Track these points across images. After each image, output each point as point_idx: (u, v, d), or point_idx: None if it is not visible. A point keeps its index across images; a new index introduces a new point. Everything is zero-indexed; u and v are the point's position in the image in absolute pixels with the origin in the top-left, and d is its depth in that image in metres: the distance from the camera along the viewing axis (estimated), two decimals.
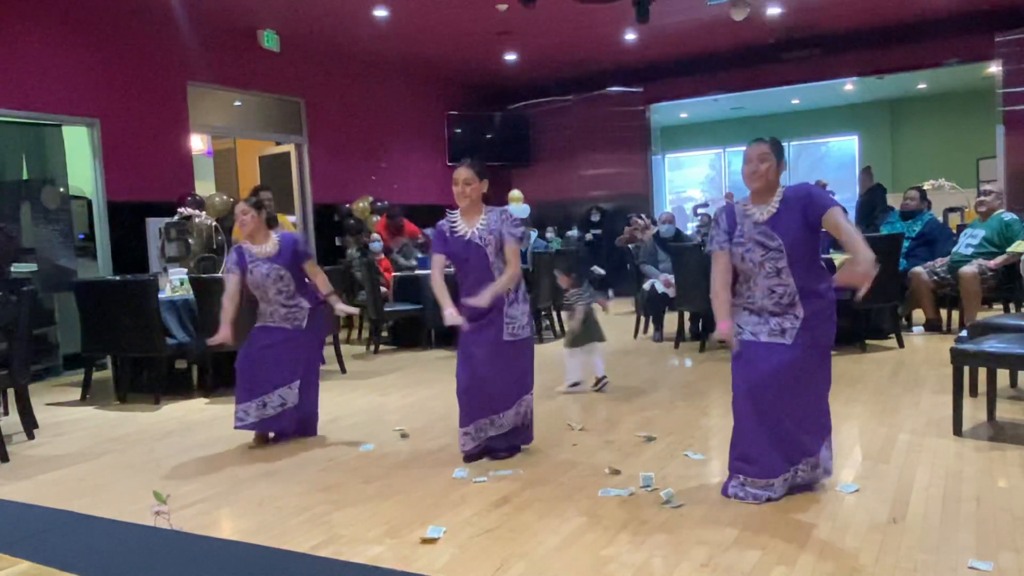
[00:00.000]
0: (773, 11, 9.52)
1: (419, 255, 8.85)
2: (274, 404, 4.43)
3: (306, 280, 4.59)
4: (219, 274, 6.27)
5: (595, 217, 12.64)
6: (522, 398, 3.91)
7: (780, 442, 3.15)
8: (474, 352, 3.83)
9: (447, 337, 7.41)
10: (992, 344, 3.89)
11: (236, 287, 4.45)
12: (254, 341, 4.48)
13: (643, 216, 11.13)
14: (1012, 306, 6.92)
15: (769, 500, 3.13)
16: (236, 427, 4.43)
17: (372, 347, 7.83)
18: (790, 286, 3.14)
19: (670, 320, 7.67)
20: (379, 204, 9.84)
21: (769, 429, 3.14)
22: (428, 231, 9.15)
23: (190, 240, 6.95)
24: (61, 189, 7.46)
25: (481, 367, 3.80)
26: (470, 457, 3.91)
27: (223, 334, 4.34)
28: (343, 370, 6.70)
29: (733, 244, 3.24)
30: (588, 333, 5.44)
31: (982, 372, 4.39)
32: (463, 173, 3.87)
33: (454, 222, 3.96)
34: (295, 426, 4.53)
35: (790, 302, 3.15)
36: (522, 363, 3.92)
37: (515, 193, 10.17)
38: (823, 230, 3.18)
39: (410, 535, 2.98)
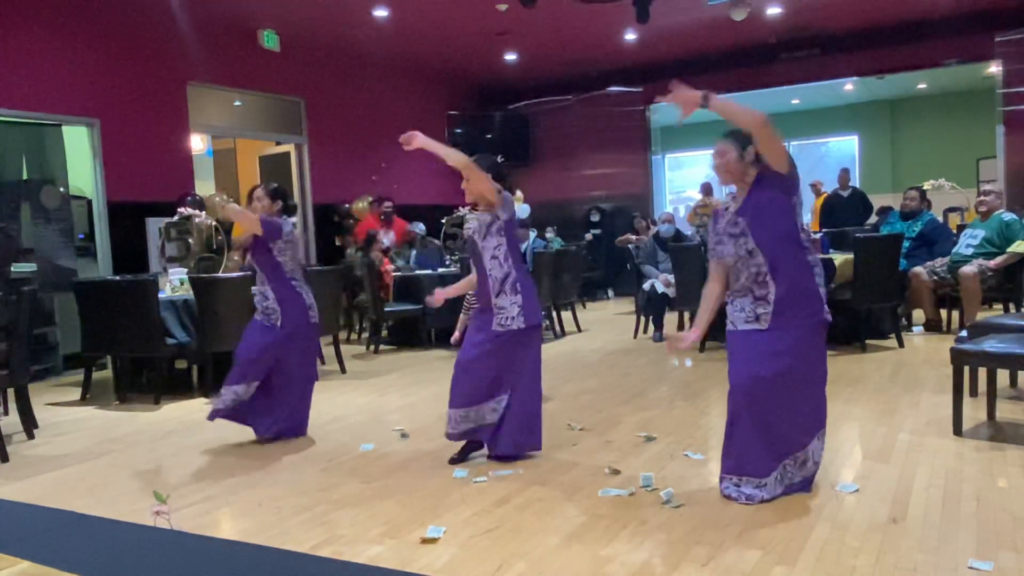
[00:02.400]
0: (773, 11, 9.52)
1: (414, 254, 8.84)
2: (227, 397, 4.44)
3: (285, 274, 4.51)
4: (219, 274, 6.29)
5: (595, 217, 12.64)
6: (499, 395, 3.81)
7: (770, 441, 3.15)
8: (468, 337, 3.89)
9: (447, 337, 7.39)
10: (992, 344, 3.89)
11: None
12: (244, 334, 4.57)
13: (645, 217, 11.15)
14: (1012, 306, 6.92)
15: (763, 501, 3.13)
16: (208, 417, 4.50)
17: (372, 347, 7.83)
18: (763, 264, 3.14)
19: (670, 320, 7.67)
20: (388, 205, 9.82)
21: (760, 428, 3.13)
22: (413, 226, 9.15)
23: (190, 240, 6.94)
24: (61, 189, 7.46)
25: (466, 353, 3.83)
26: (461, 448, 3.95)
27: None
28: (343, 370, 6.70)
29: (716, 244, 3.29)
30: None
31: (982, 372, 4.39)
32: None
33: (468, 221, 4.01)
34: (269, 429, 4.51)
35: (764, 280, 3.14)
36: (509, 358, 3.80)
37: (516, 193, 10.17)
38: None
39: (410, 535, 2.98)
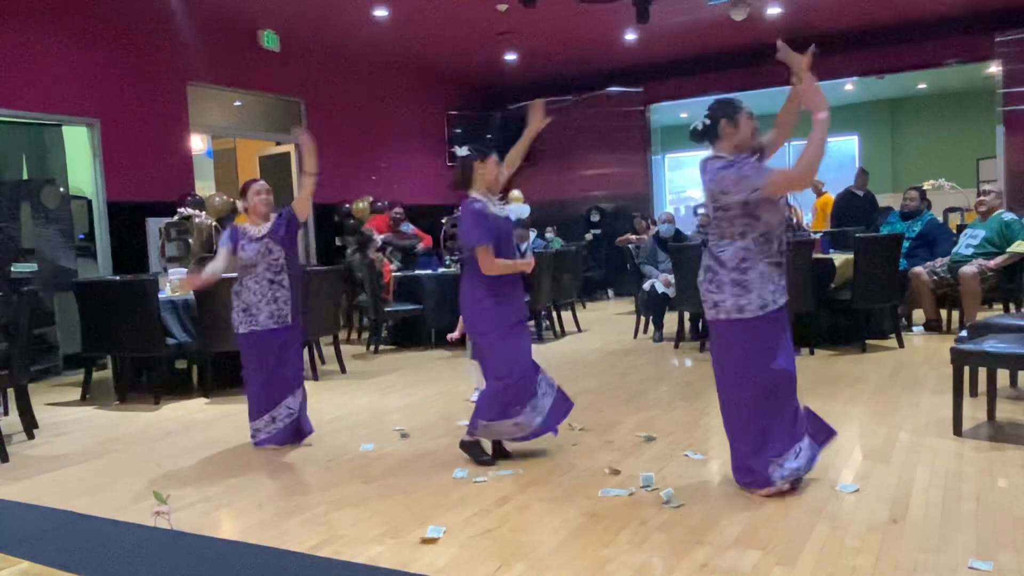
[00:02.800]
0: (773, 11, 9.52)
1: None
2: (282, 416, 4.39)
3: (297, 263, 4.55)
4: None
5: (595, 217, 12.63)
6: (540, 378, 3.90)
7: (795, 416, 3.28)
8: (519, 333, 3.86)
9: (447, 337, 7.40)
10: (992, 344, 3.89)
11: (225, 261, 4.43)
12: (254, 355, 4.43)
13: (645, 217, 11.15)
14: (1012, 306, 6.92)
15: (800, 472, 3.21)
16: (256, 445, 4.40)
17: (372, 347, 7.83)
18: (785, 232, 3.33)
19: (670, 320, 7.67)
20: (379, 204, 9.84)
21: (793, 408, 3.27)
22: (403, 226, 9.16)
23: (190, 240, 6.94)
24: (61, 189, 7.45)
25: (525, 349, 3.87)
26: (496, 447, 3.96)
27: (192, 280, 4.62)
28: (343, 370, 6.70)
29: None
30: None
31: (982, 372, 4.38)
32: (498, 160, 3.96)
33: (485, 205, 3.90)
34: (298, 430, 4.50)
35: (783, 249, 3.29)
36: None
37: (515, 193, 10.17)
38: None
39: (410, 535, 2.98)
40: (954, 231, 8.35)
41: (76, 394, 6.15)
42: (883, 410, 4.53)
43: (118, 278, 6.48)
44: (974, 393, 4.49)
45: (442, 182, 12.02)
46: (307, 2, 8.37)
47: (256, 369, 4.41)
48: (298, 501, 3.45)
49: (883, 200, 11.30)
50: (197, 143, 9.39)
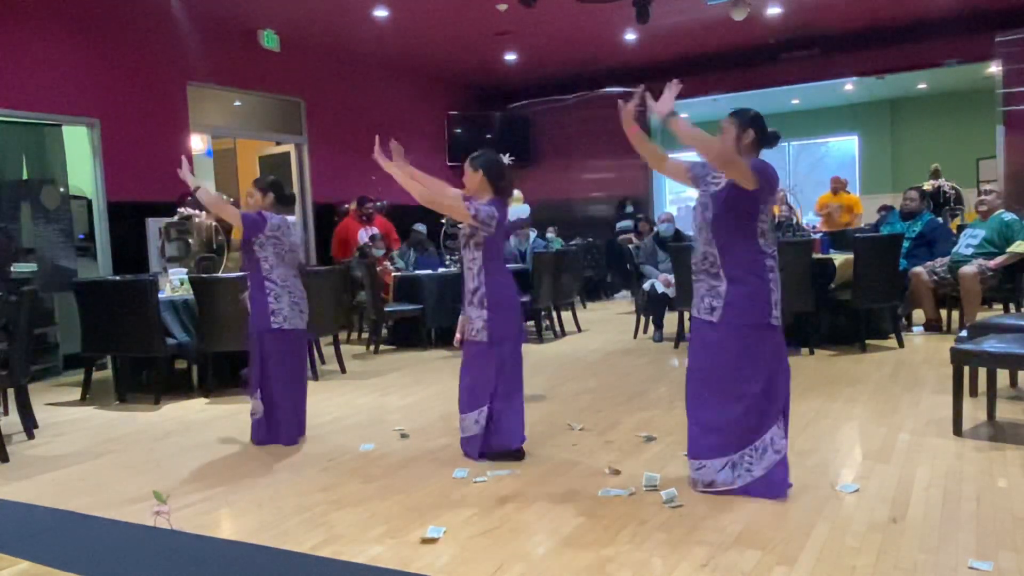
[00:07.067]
0: (773, 11, 9.52)
1: (412, 254, 8.86)
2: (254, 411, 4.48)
3: (260, 273, 4.39)
4: (219, 274, 6.29)
5: (629, 208, 12.61)
6: (480, 408, 3.84)
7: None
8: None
9: (447, 337, 7.40)
10: (992, 344, 3.89)
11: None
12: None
13: (649, 220, 11.16)
14: (1012, 306, 6.93)
15: (707, 486, 3.28)
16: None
17: (372, 347, 7.83)
18: (717, 255, 3.28)
19: (670, 320, 7.67)
20: (379, 204, 9.83)
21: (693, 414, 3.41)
22: (416, 228, 9.14)
23: (190, 240, 6.94)
24: (61, 189, 7.45)
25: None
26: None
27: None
28: (343, 370, 6.70)
29: (700, 188, 3.38)
30: None
31: (982, 372, 4.39)
32: (465, 167, 3.99)
33: None
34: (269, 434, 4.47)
35: (716, 272, 3.27)
36: (476, 369, 3.87)
37: (515, 193, 10.14)
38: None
39: (410, 535, 2.98)
40: (954, 231, 8.35)
41: (76, 394, 6.14)
42: (883, 410, 4.53)
43: (118, 278, 6.48)
44: (974, 393, 4.50)
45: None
46: (307, 2, 8.37)
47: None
48: (298, 501, 3.45)
49: (883, 200, 11.31)
50: (197, 143, 9.39)
